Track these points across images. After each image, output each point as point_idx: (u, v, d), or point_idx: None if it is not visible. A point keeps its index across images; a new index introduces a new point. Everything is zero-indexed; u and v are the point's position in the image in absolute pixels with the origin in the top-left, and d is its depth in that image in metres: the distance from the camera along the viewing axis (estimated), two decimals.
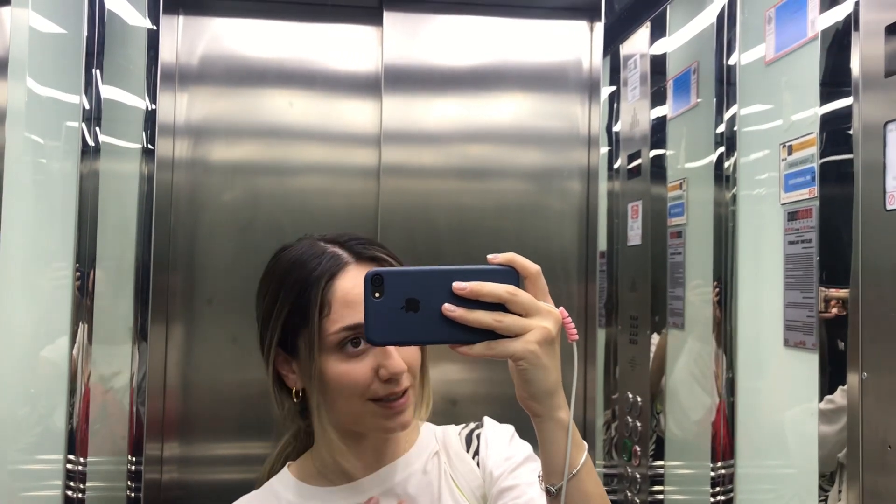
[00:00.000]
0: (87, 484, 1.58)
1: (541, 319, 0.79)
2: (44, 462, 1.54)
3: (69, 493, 1.56)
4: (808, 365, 1.32)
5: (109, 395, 1.63)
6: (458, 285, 0.78)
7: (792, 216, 1.38)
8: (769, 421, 1.48)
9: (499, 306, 0.79)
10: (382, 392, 1.01)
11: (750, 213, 1.57)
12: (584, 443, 0.85)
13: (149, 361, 1.68)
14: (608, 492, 1.97)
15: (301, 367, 1.04)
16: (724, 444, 1.61)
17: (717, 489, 1.62)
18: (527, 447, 1.11)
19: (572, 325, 0.84)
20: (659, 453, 1.85)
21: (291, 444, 1.20)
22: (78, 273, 1.59)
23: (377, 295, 0.79)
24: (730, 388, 1.61)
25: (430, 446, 1.14)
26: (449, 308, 0.78)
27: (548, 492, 0.85)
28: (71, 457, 1.56)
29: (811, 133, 1.33)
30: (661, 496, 1.85)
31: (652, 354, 1.86)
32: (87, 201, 1.60)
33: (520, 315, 0.79)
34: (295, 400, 1.08)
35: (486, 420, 1.17)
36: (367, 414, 1.03)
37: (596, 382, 1.91)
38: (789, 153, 1.39)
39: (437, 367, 1.72)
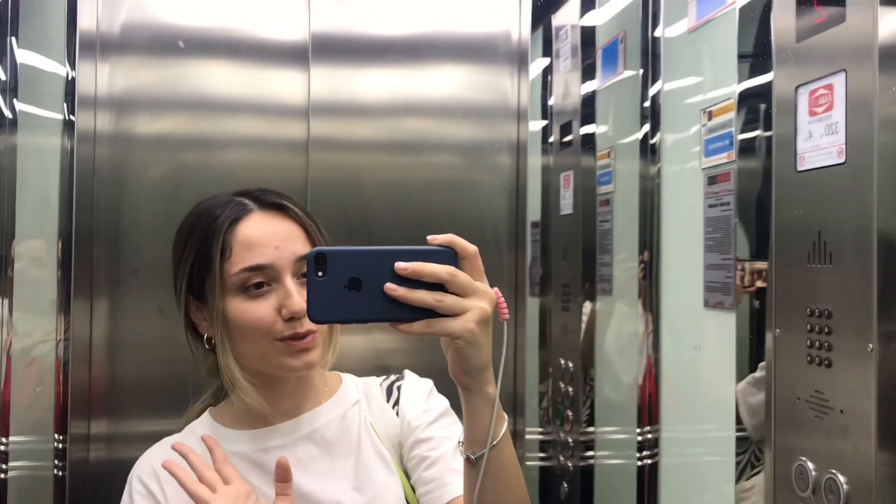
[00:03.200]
0: (10, 463, 1.55)
1: (478, 300, 0.82)
2: None
3: None
4: (727, 324, 1.36)
5: (34, 370, 1.60)
6: (400, 265, 0.80)
7: (712, 180, 1.42)
8: (693, 383, 1.52)
9: (439, 286, 0.81)
10: (287, 332, 1.05)
11: (675, 179, 1.60)
12: (505, 415, 0.90)
13: (73, 335, 1.65)
14: (544, 458, 2.02)
15: (209, 312, 1.08)
16: (649, 409, 1.65)
17: (644, 453, 1.66)
18: (444, 402, 1.17)
19: (504, 304, 0.87)
20: (591, 418, 1.89)
21: (211, 397, 1.24)
22: None
23: (320, 274, 0.80)
24: (654, 353, 1.65)
25: (350, 396, 1.19)
26: (391, 287, 0.80)
27: (468, 459, 0.90)
28: None
29: (730, 98, 1.36)
30: (592, 461, 1.89)
31: (584, 321, 1.89)
32: (4, 174, 1.56)
33: (458, 295, 0.82)
34: (207, 346, 1.12)
35: (407, 373, 1.23)
36: (272, 353, 1.06)
37: (526, 351, 1.94)
38: (709, 119, 1.43)
39: (369, 336, 1.71)
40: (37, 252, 1.60)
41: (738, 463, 1.33)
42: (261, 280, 1.05)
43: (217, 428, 1.16)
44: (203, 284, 1.07)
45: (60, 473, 1.64)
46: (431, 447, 1.11)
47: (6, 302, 1.56)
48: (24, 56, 1.61)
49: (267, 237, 1.06)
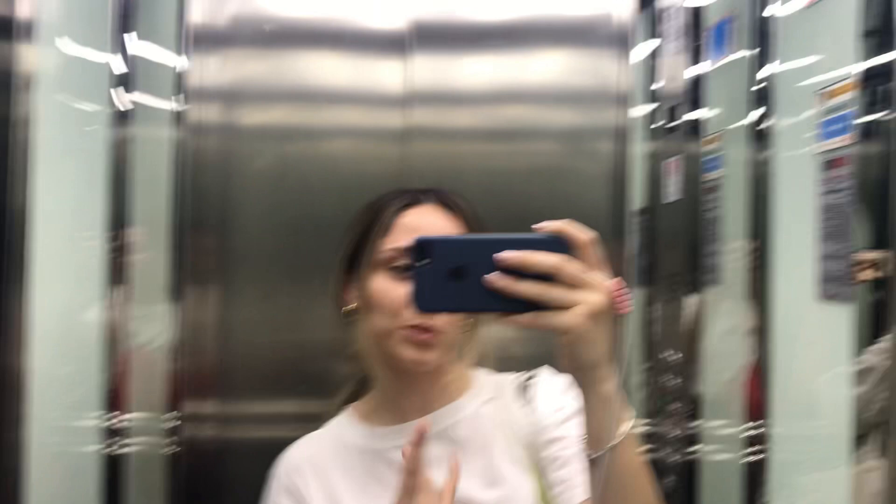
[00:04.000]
0: (128, 440, 1.63)
1: (589, 293, 0.76)
2: (88, 419, 1.59)
3: (110, 448, 1.61)
4: (843, 316, 1.28)
5: (147, 353, 1.68)
6: (503, 255, 0.76)
7: (828, 165, 1.34)
8: (804, 378, 1.45)
9: (548, 276, 0.76)
10: (414, 321, 1.06)
11: (787, 165, 1.53)
12: (630, 413, 0.84)
13: (185, 320, 1.72)
14: (647, 451, 1.97)
15: (357, 284, 1.13)
16: (756, 404, 1.59)
17: (752, 448, 1.60)
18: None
19: (625, 297, 0.80)
20: (695, 412, 1.83)
21: (355, 389, 1.28)
22: (111, 236, 1.62)
23: (423, 263, 0.78)
24: (763, 346, 1.58)
25: (484, 392, 1.19)
26: (494, 278, 0.76)
27: (587, 459, 0.85)
28: (110, 414, 1.61)
29: (849, 78, 1.28)
30: (697, 455, 1.84)
31: (689, 313, 1.84)
32: (120, 164, 1.62)
33: (568, 286, 0.76)
34: (350, 319, 1.16)
35: (543, 370, 1.20)
36: (394, 338, 1.09)
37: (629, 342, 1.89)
38: (826, 100, 1.35)
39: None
40: (145, 240, 1.66)
41: None
42: (408, 264, 1.07)
43: (354, 424, 1.20)
44: (359, 259, 1.12)
45: (174, 450, 1.71)
46: (563, 446, 1.08)
47: (122, 289, 1.62)
48: (138, 46, 1.67)
49: (428, 227, 1.10)
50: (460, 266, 0.77)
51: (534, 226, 0.78)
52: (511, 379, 1.21)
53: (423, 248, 0.78)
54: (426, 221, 1.11)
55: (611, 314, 0.79)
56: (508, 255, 0.76)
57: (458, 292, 0.77)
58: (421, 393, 1.16)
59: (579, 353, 0.78)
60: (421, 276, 0.78)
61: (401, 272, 1.08)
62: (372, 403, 1.21)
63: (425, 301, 0.79)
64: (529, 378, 1.19)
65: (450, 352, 1.14)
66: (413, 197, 1.14)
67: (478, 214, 1.16)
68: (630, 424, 0.83)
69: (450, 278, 0.77)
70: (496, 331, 1.22)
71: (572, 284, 0.76)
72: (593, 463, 0.84)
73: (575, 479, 1.04)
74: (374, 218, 1.13)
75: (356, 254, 1.14)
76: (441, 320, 1.08)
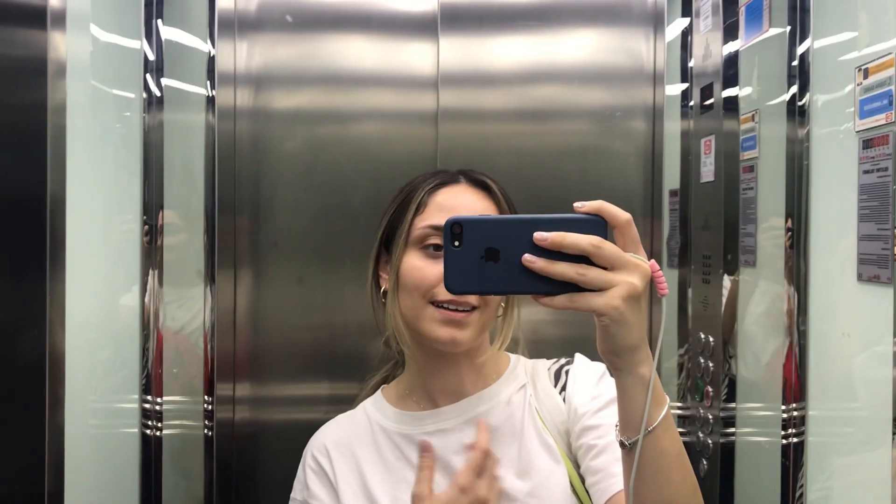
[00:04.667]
0: (164, 422, 1.66)
1: (626, 274, 0.75)
2: (127, 402, 1.63)
3: (147, 431, 1.65)
4: (883, 299, 1.26)
5: (181, 337, 1.70)
6: (539, 235, 0.75)
7: (867, 144, 1.31)
8: (841, 360, 1.43)
9: (583, 257, 0.75)
10: (443, 297, 1.06)
11: (825, 143, 1.50)
12: (666, 398, 0.82)
13: (219, 303, 1.73)
14: (682, 433, 1.95)
15: (390, 264, 1.12)
16: (794, 386, 1.57)
17: (790, 431, 1.58)
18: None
19: (662, 278, 0.79)
20: (731, 394, 1.81)
21: (390, 371, 1.29)
22: (146, 220, 1.64)
23: (457, 244, 0.77)
24: (801, 327, 1.55)
25: (518, 379, 1.18)
26: (529, 259, 0.75)
27: (621, 444, 0.83)
28: (147, 397, 1.64)
29: (889, 54, 1.25)
30: (733, 437, 1.82)
31: (725, 294, 1.81)
32: (153, 149, 1.65)
33: (605, 268, 0.75)
34: (383, 300, 1.17)
35: (578, 357, 1.19)
36: (426, 317, 1.08)
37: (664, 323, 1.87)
38: (865, 77, 1.31)
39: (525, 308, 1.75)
40: (179, 224, 1.68)
41: None
42: (440, 243, 1.07)
43: (386, 406, 1.20)
44: (395, 234, 1.12)
45: (209, 433, 1.73)
46: (599, 435, 1.06)
47: (156, 273, 1.65)
48: (169, 33, 1.68)
49: (462, 206, 1.10)
50: (494, 247, 0.76)
51: (575, 204, 0.77)
52: (545, 365, 1.19)
53: (456, 229, 0.77)
54: (460, 200, 1.11)
55: (648, 296, 0.77)
56: (546, 236, 0.75)
57: (492, 273, 0.76)
58: (453, 376, 1.15)
59: (616, 335, 0.77)
60: (454, 257, 0.77)
61: (434, 251, 1.08)
62: (404, 386, 1.21)
63: (458, 283, 0.78)
64: (564, 365, 1.18)
65: (482, 332, 1.13)
66: (447, 176, 1.15)
67: (508, 195, 1.16)
68: (666, 408, 0.81)
69: (483, 259, 0.77)
70: (528, 314, 1.21)
71: (610, 265, 0.75)
72: (627, 448, 0.82)
73: (611, 469, 1.03)
74: (407, 197, 1.13)
75: (390, 233, 1.14)
76: (474, 298, 1.07)
